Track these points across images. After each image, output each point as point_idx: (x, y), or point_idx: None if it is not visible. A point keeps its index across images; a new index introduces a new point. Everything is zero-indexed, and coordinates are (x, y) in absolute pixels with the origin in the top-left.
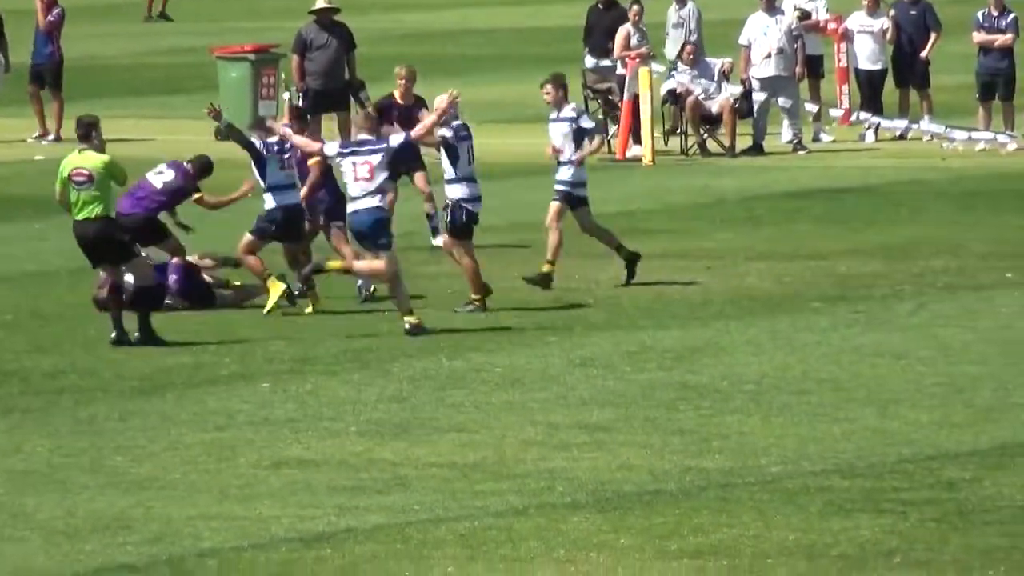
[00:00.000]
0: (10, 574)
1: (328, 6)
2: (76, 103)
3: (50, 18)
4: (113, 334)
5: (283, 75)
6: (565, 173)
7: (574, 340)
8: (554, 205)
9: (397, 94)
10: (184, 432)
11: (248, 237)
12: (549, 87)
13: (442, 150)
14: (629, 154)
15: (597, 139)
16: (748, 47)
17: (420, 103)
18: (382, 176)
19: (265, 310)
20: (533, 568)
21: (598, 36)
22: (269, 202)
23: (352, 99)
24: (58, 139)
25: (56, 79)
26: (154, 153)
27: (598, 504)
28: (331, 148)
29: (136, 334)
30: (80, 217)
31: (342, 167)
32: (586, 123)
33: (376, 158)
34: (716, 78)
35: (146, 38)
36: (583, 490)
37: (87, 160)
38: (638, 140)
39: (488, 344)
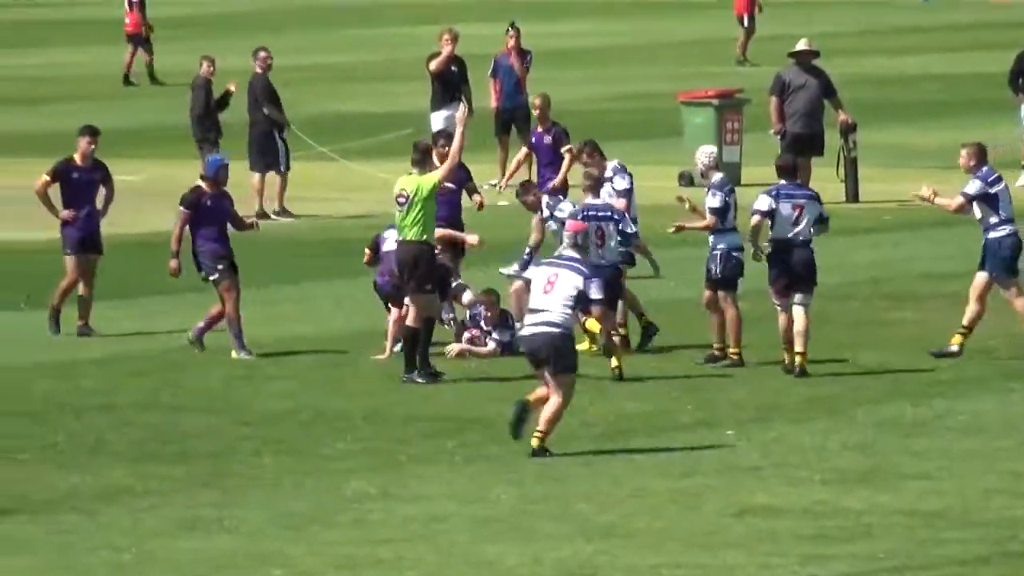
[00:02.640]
0: None
1: (809, 48)
2: None
3: (524, 65)
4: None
5: None
6: None
7: None
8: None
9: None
10: (649, 479)
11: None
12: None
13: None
14: None
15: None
16: None
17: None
18: None
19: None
20: None
21: None
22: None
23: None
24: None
25: (527, 124)
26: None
27: None
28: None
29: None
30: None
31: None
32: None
33: None
34: None
35: (611, 83)
36: None
37: (409, 182)
38: None
39: (951, 391)
